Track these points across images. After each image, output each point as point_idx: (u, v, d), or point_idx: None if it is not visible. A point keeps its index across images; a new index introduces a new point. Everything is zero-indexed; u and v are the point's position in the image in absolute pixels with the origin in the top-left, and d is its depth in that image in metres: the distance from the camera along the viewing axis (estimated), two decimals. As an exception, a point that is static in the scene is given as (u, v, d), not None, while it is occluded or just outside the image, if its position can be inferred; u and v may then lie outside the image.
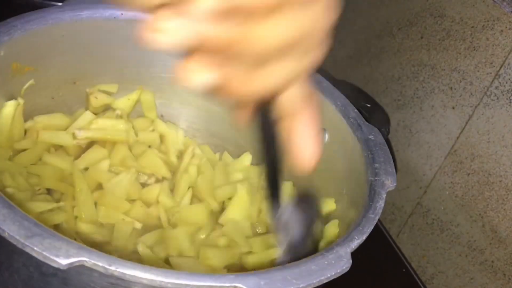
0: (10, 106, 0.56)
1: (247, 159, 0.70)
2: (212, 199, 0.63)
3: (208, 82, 0.27)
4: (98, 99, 0.65)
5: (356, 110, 0.61)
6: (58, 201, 0.57)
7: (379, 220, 0.49)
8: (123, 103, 0.67)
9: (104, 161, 0.61)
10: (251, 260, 0.57)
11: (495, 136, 0.63)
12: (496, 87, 0.63)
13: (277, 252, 0.51)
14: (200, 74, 0.27)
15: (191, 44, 0.25)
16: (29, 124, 0.60)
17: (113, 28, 0.62)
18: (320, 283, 0.40)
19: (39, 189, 0.58)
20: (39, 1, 0.83)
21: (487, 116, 0.64)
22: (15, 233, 0.36)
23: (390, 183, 0.53)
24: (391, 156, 0.56)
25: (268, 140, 0.35)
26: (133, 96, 0.68)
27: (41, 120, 0.61)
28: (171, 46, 0.25)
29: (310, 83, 0.32)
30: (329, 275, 0.41)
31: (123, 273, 0.36)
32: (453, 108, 0.69)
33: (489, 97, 0.64)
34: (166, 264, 0.55)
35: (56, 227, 0.54)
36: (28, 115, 0.60)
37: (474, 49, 0.66)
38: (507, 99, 0.62)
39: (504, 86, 0.62)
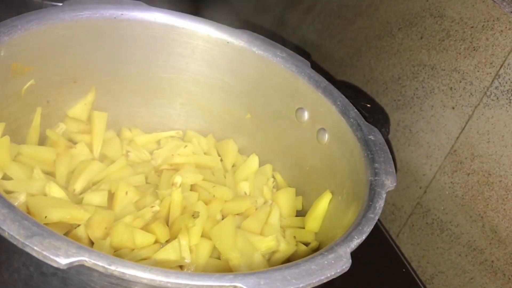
0: None
1: (254, 162, 0.69)
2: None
3: None
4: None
5: (356, 110, 0.61)
6: None
7: (379, 220, 0.49)
8: (80, 108, 0.65)
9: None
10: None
11: (495, 136, 0.63)
12: (496, 87, 0.63)
13: None
14: None
15: None
16: None
17: (113, 28, 0.62)
18: (320, 283, 0.40)
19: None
20: (39, 1, 0.83)
21: (487, 116, 0.64)
22: (15, 232, 0.36)
23: (390, 183, 0.53)
24: (391, 156, 0.56)
25: None
26: (88, 99, 0.65)
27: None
28: None
29: None
30: (328, 275, 0.41)
31: (123, 272, 0.36)
32: (453, 108, 0.69)
33: (489, 97, 0.64)
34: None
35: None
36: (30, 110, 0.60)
37: (474, 49, 0.66)
38: (507, 99, 0.62)
39: (504, 86, 0.62)
